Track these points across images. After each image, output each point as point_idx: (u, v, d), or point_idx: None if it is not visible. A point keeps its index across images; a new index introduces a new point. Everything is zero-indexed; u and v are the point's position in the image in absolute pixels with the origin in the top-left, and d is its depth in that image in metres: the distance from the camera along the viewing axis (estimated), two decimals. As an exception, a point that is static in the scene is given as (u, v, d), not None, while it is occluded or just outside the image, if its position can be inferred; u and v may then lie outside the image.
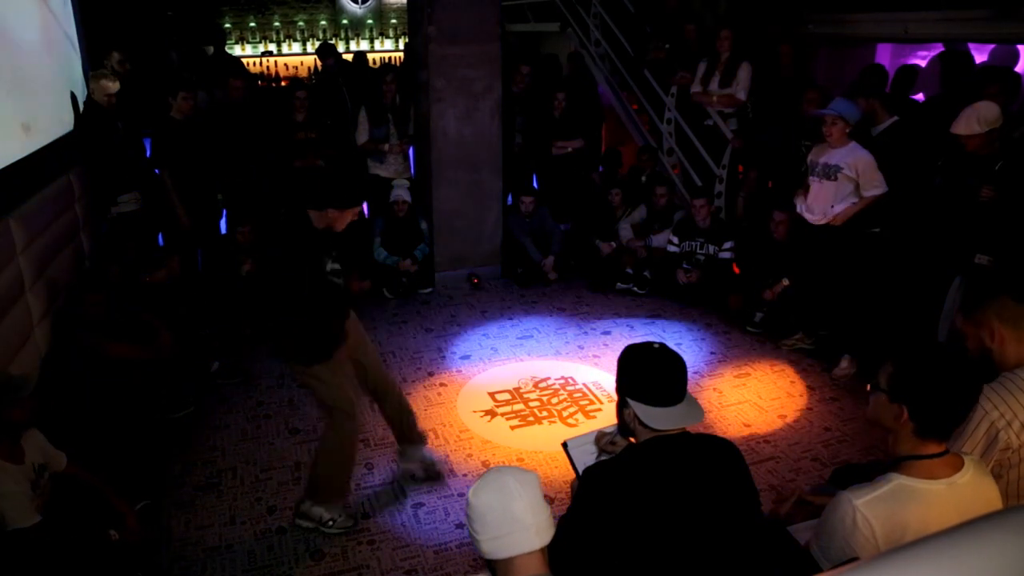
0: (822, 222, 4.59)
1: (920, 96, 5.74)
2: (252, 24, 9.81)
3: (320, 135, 6.05)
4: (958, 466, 1.84)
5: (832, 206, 4.52)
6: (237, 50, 9.67)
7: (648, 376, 1.99)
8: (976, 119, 3.79)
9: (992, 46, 5.86)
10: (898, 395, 1.85)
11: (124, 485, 3.07)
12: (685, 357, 2.09)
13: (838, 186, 4.45)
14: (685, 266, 5.74)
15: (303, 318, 2.91)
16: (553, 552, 1.74)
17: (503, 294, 6.11)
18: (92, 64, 5.64)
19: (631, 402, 2.00)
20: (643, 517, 1.87)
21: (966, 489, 1.80)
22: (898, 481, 1.82)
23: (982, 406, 2.15)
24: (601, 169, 7.15)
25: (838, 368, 4.66)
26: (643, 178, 6.66)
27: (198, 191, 5.43)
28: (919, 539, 1.45)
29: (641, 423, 1.98)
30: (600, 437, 3.00)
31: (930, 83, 5.73)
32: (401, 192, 5.92)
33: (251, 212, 5.58)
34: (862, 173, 4.36)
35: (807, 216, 4.69)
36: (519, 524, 1.65)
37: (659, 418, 1.95)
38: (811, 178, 4.60)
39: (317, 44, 8.92)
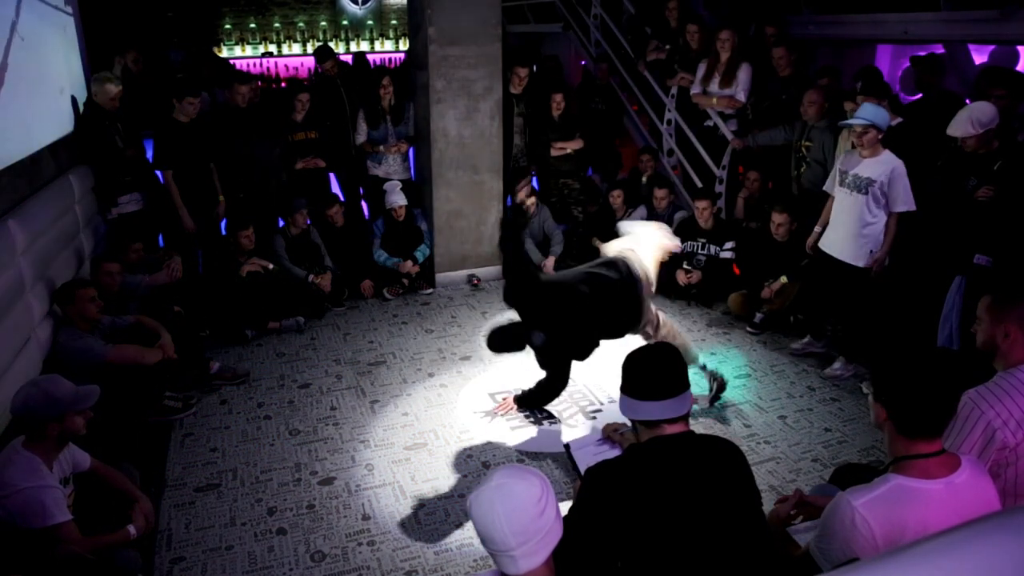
0: (862, 263, 4.26)
1: (919, 96, 5.75)
2: (252, 25, 9.80)
3: (320, 135, 6.07)
4: (955, 466, 1.84)
5: (864, 227, 4.22)
6: (237, 51, 9.68)
7: (628, 367, 2.07)
8: (971, 121, 3.79)
9: (992, 47, 5.87)
10: (879, 394, 1.88)
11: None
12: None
13: (868, 201, 4.17)
14: (685, 266, 5.75)
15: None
16: (556, 552, 1.74)
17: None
18: (93, 65, 5.65)
19: (620, 394, 2.07)
20: (645, 516, 1.87)
21: (964, 488, 1.81)
22: (896, 481, 1.83)
23: (979, 406, 2.17)
24: (590, 172, 7.13)
25: (830, 368, 4.65)
26: (643, 179, 6.67)
27: (199, 193, 5.44)
28: (919, 539, 1.45)
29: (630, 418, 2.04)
30: (607, 427, 3.01)
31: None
32: (395, 197, 5.91)
33: (253, 214, 5.59)
34: (892, 185, 4.08)
35: (832, 251, 4.40)
36: (501, 549, 1.59)
37: (631, 408, 2.02)
38: (839, 188, 4.35)
39: (317, 45, 8.92)
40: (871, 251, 4.27)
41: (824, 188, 4.61)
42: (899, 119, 4.70)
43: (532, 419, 4.22)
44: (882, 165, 4.13)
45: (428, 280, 6.20)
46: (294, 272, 5.53)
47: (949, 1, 5.21)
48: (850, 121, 4.19)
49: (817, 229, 4.65)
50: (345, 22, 10.22)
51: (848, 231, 4.32)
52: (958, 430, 2.18)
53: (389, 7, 10.42)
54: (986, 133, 3.80)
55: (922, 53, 5.45)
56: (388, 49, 10.39)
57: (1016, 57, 5.81)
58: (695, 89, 6.22)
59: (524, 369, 4.78)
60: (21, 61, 4.28)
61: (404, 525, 3.35)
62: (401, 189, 6.01)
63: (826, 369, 4.67)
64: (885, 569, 1.37)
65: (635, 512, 1.87)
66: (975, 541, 1.38)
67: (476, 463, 3.82)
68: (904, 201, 4.12)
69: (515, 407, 4.25)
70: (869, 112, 4.09)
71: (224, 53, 9.57)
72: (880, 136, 4.11)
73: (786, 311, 5.17)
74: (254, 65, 9.65)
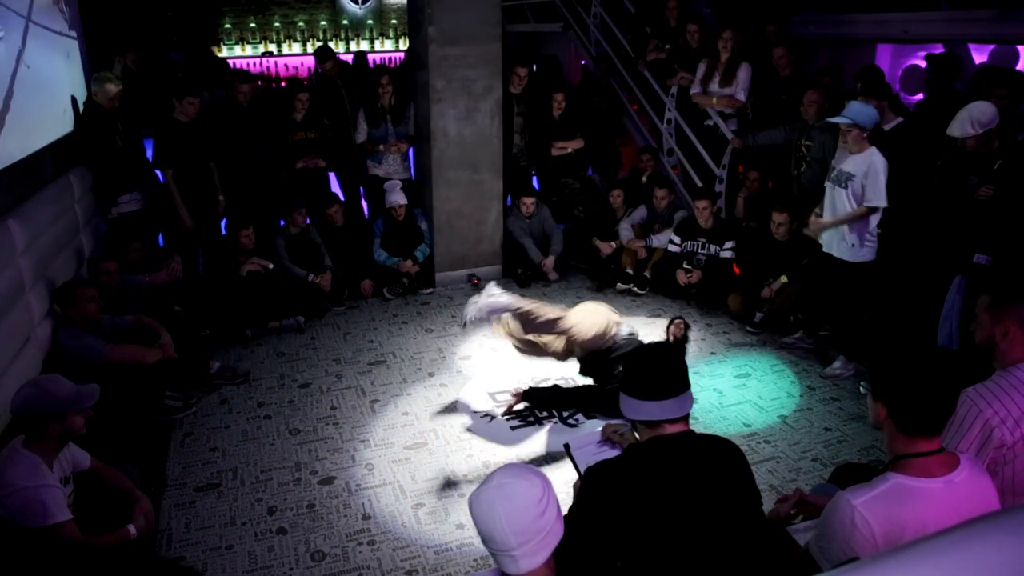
0: (846, 257, 4.37)
1: (919, 96, 5.75)
2: (252, 24, 9.80)
3: (319, 135, 6.07)
4: (954, 464, 1.85)
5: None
6: (237, 50, 9.68)
7: (629, 367, 2.07)
8: (970, 122, 3.79)
9: (992, 46, 5.87)
10: (878, 393, 1.88)
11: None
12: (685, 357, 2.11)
13: (847, 195, 4.30)
14: (685, 266, 5.75)
15: None
16: (557, 552, 1.73)
17: (503, 294, 6.11)
18: (93, 65, 5.65)
19: (620, 394, 2.05)
20: (645, 516, 1.87)
21: (963, 487, 1.81)
22: (895, 480, 1.83)
23: (977, 404, 2.17)
24: (590, 172, 7.13)
25: (830, 368, 4.66)
26: (644, 179, 6.68)
27: (199, 192, 5.44)
28: (919, 539, 1.45)
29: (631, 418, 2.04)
30: (607, 427, 3.01)
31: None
32: (396, 196, 5.92)
33: (253, 214, 5.59)
34: (868, 180, 4.20)
35: (823, 245, 4.52)
36: (502, 549, 1.58)
37: (631, 408, 2.01)
38: (827, 183, 4.47)
39: (317, 44, 8.93)
40: (853, 244, 4.35)
41: (803, 179, 4.73)
42: (899, 119, 4.70)
43: (532, 419, 4.23)
44: (863, 161, 4.22)
45: (428, 280, 6.20)
46: (294, 271, 5.53)
47: (949, 1, 5.21)
48: (834, 119, 4.31)
49: (816, 210, 4.66)
50: (345, 22, 10.22)
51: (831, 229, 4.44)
52: (956, 428, 2.19)
53: (389, 7, 10.42)
54: (986, 133, 3.80)
55: (936, 51, 5.46)
56: (388, 49, 10.39)
57: (1016, 57, 5.80)
58: (695, 88, 6.22)
59: (525, 369, 4.79)
60: (27, 87, 4.32)
61: (404, 525, 3.35)
62: (401, 188, 6.01)
63: (826, 368, 4.68)
64: (885, 568, 1.37)
65: (635, 512, 1.87)
66: (974, 540, 1.38)
67: (476, 463, 3.82)
68: (875, 196, 4.19)
69: (519, 400, 4.26)
70: (853, 111, 4.18)
71: (224, 53, 9.58)
72: (865, 134, 4.19)
73: (786, 310, 5.17)
74: (254, 65, 9.65)
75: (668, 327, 4.33)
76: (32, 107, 4.44)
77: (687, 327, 4.31)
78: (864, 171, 4.20)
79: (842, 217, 4.33)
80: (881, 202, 4.19)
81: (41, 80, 4.66)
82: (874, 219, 4.28)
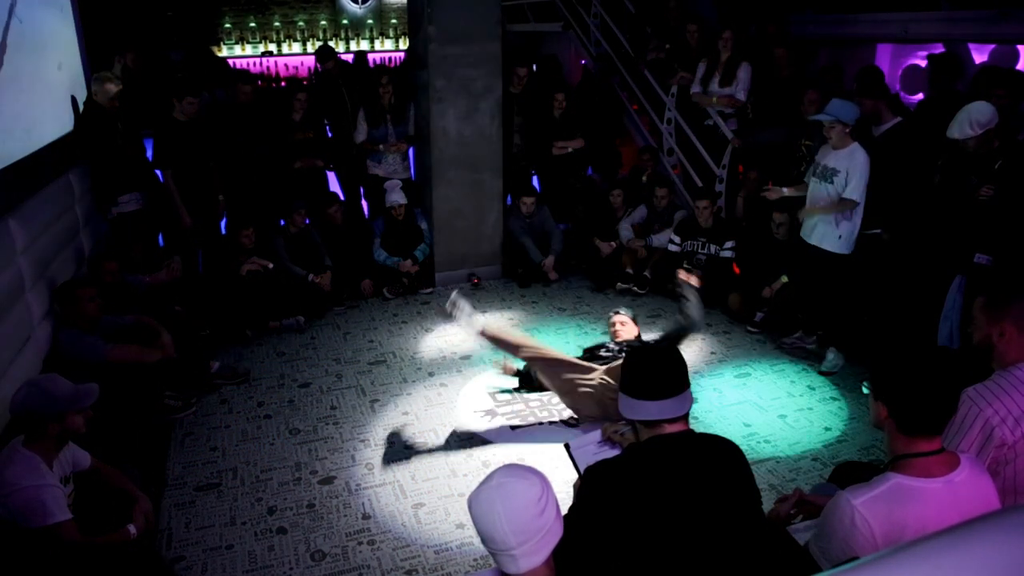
0: (833, 249, 4.45)
1: (920, 96, 5.74)
2: (252, 24, 9.80)
3: (317, 135, 6.07)
4: (954, 464, 1.85)
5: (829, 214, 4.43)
6: (237, 50, 9.68)
7: (628, 367, 2.06)
8: (969, 122, 3.80)
9: (992, 46, 5.87)
10: (879, 393, 1.88)
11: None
12: (685, 356, 2.10)
13: (832, 190, 4.37)
14: (685, 266, 5.75)
15: None
16: (556, 551, 1.73)
17: (503, 294, 6.12)
18: (93, 65, 5.65)
19: (620, 393, 2.05)
20: (644, 515, 1.87)
21: (963, 487, 1.81)
22: (895, 480, 1.83)
23: (977, 404, 2.17)
24: (590, 172, 7.13)
25: (825, 363, 4.69)
26: (644, 178, 6.68)
27: (199, 192, 5.44)
28: (919, 539, 1.45)
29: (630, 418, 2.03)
30: (608, 427, 3.01)
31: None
32: (395, 196, 5.92)
33: (254, 214, 5.59)
34: (850, 175, 4.26)
35: (808, 238, 4.61)
36: (501, 548, 1.58)
37: (630, 407, 2.01)
38: (812, 178, 4.55)
39: (317, 44, 8.93)
40: (840, 236, 4.41)
41: (804, 179, 4.78)
42: (898, 119, 4.69)
43: (532, 418, 4.22)
44: (847, 157, 4.29)
45: (428, 280, 6.20)
46: (294, 271, 5.53)
47: (949, 1, 5.20)
48: (817, 116, 4.38)
49: (791, 190, 4.78)
50: (345, 21, 10.21)
51: (818, 218, 4.51)
52: (956, 428, 2.18)
53: (389, 6, 10.42)
54: (985, 133, 3.80)
55: (937, 51, 5.46)
56: (388, 48, 10.39)
57: (1016, 56, 5.80)
58: (695, 88, 6.22)
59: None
60: (20, 41, 4.26)
61: (404, 525, 3.35)
62: (401, 188, 6.01)
63: (822, 365, 4.69)
64: (885, 568, 1.36)
65: (635, 511, 1.87)
66: (974, 540, 1.38)
67: (476, 462, 3.82)
68: (853, 191, 4.27)
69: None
70: (835, 108, 4.25)
71: (224, 52, 9.58)
72: (847, 130, 4.26)
73: (788, 310, 5.16)
74: (254, 65, 9.65)
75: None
76: (28, 55, 4.40)
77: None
78: (847, 166, 4.28)
79: (827, 207, 4.40)
80: (859, 198, 4.26)
81: (35, 32, 4.61)
82: (858, 216, 4.36)
